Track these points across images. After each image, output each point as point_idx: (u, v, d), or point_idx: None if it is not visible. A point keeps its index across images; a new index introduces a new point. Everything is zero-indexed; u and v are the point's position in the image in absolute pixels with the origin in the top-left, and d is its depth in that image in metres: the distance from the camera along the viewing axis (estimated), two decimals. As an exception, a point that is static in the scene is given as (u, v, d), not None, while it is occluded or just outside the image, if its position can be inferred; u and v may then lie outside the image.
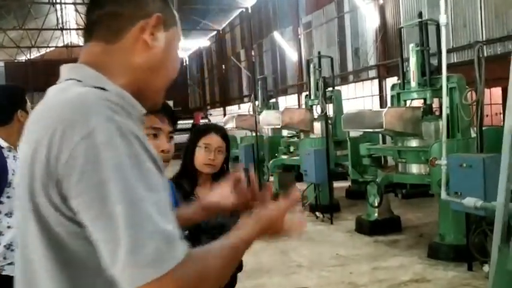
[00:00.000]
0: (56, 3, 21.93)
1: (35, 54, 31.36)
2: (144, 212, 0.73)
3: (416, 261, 5.37)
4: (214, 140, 2.32)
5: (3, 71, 29.63)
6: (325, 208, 7.82)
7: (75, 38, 31.79)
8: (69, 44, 30.28)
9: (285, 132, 11.06)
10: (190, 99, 33.11)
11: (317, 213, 7.88)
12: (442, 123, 5.30)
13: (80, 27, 27.46)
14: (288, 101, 17.88)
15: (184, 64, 33.04)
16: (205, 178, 2.35)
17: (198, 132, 2.39)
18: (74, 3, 23.34)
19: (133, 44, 0.92)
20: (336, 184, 8.67)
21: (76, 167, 0.74)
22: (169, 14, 0.99)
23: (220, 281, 0.85)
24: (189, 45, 26.62)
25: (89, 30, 0.95)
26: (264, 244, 6.19)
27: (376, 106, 12.65)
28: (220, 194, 1.40)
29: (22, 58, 30.46)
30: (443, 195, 4.66)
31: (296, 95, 17.36)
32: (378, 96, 13.11)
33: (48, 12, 24.29)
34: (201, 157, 2.29)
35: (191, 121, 22.41)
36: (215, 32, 26.13)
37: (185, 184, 2.31)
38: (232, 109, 23.88)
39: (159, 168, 0.81)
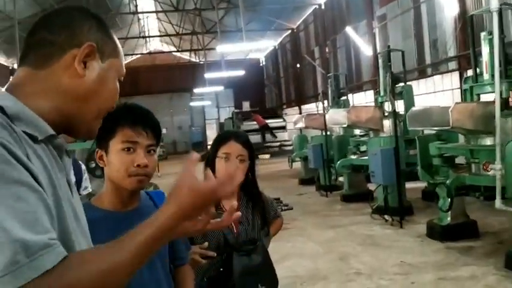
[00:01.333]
0: (138, 12, 23.10)
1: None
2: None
3: (491, 272, 4.86)
4: (234, 148, 2.16)
5: (94, 79, 31.87)
6: (395, 211, 7.40)
7: (159, 45, 33.43)
8: (152, 51, 31.82)
9: (357, 131, 10.69)
10: (267, 99, 33.30)
11: (385, 216, 7.48)
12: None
13: (162, 34, 28.84)
14: (364, 98, 17.32)
15: (261, 64, 33.34)
16: None
17: (216, 141, 2.26)
18: (156, 12, 24.54)
19: (62, 72, 0.92)
20: (411, 185, 8.18)
21: None
22: (109, 45, 0.99)
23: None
24: (264, 46, 26.70)
25: (21, 56, 0.95)
26: (322, 249, 6.00)
27: (457, 100, 11.78)
28: None
29: (111, 66, 32.56)
30: (498, 203, 4.16)
31: (372, 91, 16.72)
32: (459, 90, 12.18)
33: (132, 22, 25.78)
34: (222, 168, 2.15)
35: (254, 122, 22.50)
36: (289, 31, 26.02)
37: None
38: (308, 108, 23.62)
39: (30, 179, 0.77)
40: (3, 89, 0.92)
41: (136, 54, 31.53)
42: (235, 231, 2.17)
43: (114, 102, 1.02)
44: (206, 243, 2.01)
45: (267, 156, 21.68)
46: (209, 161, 2.21)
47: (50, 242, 0.72)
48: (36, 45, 0.94)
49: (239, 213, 1.51)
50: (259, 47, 25.83)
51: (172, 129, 31.78)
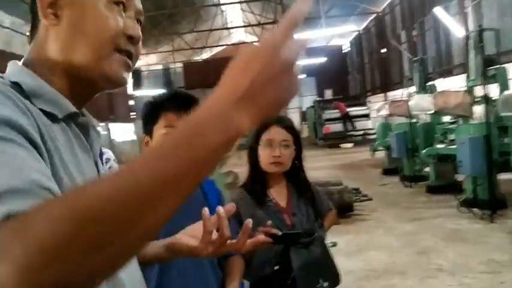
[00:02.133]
0: (221, 4, 23.56)
1: (208, 54, 34.39)
2: None
3: None
4: (277, 133, 2.04)
5: (181, 71, 33.20)
6: (485, 204, 6.83)
7: (243, 36, 33.91)
8: (237, 42, 32.34)
9: (446, 118, 10.01)
10: (350, 87, 32.44)
11: (474, 209, 6.93)
12: None
13: (245, 24, 29.19)
14: (456, 82, 16.17)
15: (344, 51, 32.49)
16: (277, 178, 2.11)
17: (258, 127, 2.10)
18: (239, 2, 24.87)
19: (44, 35, 0.84)
20: (505, 176, 7.50)
21: None
22: None
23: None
24: (343, 31, 25.96)
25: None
26: (401, 243, 5.71)
27: None
28: (190, 233, 1.20)
29: (197, 58, 33.68)
30: None
31: (463, 75, 15.57)
32: None
33: (216, 14, 26.40)
34: (265, 155, 2.05)
35: (336, 110, 21.91)
36: (374, 15, 25.02)
37: (257, 188, 2.09)
38: (393, 95, 22.63)
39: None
40: (16, 62, 0.84)
41: (221, 45, 32.27)
42: (288, 223, 2.04)
43: (108, 29, 0.82)
44: (270, 222, 1.91)
45: (350, 145, 21.18)
46: (251, 150, 2.13)
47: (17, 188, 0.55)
48: (31, 23, 0.88)
49: (262, 237, 1.39)
50: (339, 33, 25.16)
51: (255, 118, 32.22)
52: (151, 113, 1.57)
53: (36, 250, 0.47)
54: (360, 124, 21.87)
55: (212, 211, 1.70)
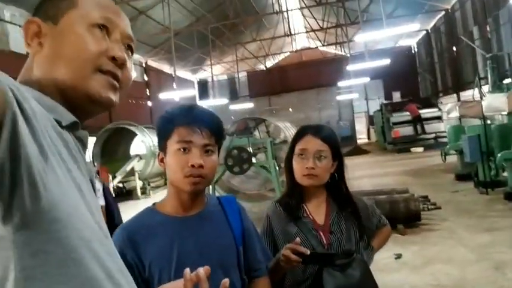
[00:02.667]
0: (282, 11, 23.58)
1: (271, 61, 34.57)
2: None
3: None
4: (310, 143, 1.90)
5: (245, 80, 33.62)
6: None
7: (305, 42, 33.74)
8: (301, 48, 32.22)
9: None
10: (420, 88, 31.07)
11: (560, 218, 6.26)
12: None
13: (308, 30, 29.02)
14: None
15: (413, 51, 31.23)
16: (315, 192, 1.95)
17: (294, 137, 2.00)
18: (301, 8, 24.77)
19: (31, 62, 0.90)
20: None
21: None
22: (59, 3, 0.90)
23: None
24: (407, 31, 24.89)
25: None
26: (474, 255, 5.25)
27: None
28: None
29: (261, 67, 33.94)
30: None
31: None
32: None
33: (278, 22, 26.46)
34: (298, 167, 1.90)
35: (405, 113, 20.90)
36: (443, 12, 23.81)
37: (292, 202, 1.94)
38: (467, 95, 21.32)
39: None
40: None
41: (284, 52, 32.32)
42: (325, 242, 1.86)
43: (84, 49, 0.86)
44: (298, 239, 1.77)
45: (421, 149, 20.20)
46: (287, 161, 1.99)
47: None
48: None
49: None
50: (406, 32, 24.19)
51: (321, 124, 31.79)
52: (164, 128, 1.50)
53: None
54: (432, 127, 20.78)
55: (232, 229, 1.59)
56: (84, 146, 0.88)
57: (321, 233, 1.89)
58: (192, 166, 1.41)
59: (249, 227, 1.65)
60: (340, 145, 2.02)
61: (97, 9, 0.90)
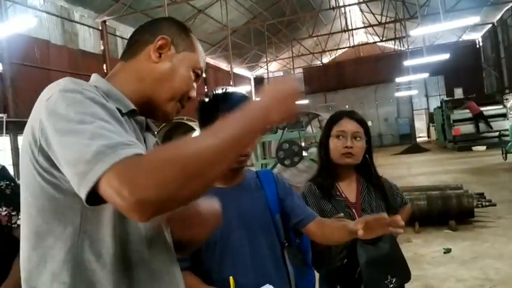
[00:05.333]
0: (339, 7, 23.36)
1: (328, 57, 34.30)
2: (86, 133, 0.85)
3: None
4: (348, 125, 2.08)
5: (301, 76, 33.60)
6: None
7: (364, 37, 33.13)
8: (358, 43, 31.68)
9: None
10: (485, 84, 29.64)
11: None
12: None
13: (366, 25, 28.52)
14: None
15: (477, 46, 29.83)
16: (346, 171, 2.13)
17: (329, 122, 2.17)
18: (359, 3, 24.43)
19: (143, 61, 1.16)
20: None
21: (42, 119, 0.92)
22: (185, 41, 1.21)
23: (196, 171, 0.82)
24: (479, 24, 23.84)
25: (121, 55, 1.23)
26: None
27: None
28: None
29: (317, 63, 33.78)
30: None
31: None
32: None
33: (335, 17, 26.23)
34: (336, 147, 2.08)
35: (466, 111, 19.98)
36: (511, 4, 22.58)
37: (326, 181, 2.11)
38: (536, 91, 20.13)
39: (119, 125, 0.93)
40: (97, 75, 1.16)
41: (341, 48, 31.95)
42: (357, 217, 2.01)
43: (187, 86, 1.19)
44: (341, 214, 1.95)
45: (483, 147, 19.34)
46: (322, 143, 2.16)
47: (130, 142, 0.85)
48: (129, 45, 1.20)
49: None
50: (467, 26, 23.19)
51: (378, 121, 31.17)
52: (210, 113, 1.64)
53: (156, 179, 0.78)
54: (496, 125, 19.81)
55: (267, 199, 1.79)
56: (141, 127, 1.16)
57: (353, 210, 2.06)
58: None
59: (285, 191, 1.83)
60: (369, 127, 2.18)
61: (201, 61, 1.23)
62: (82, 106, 0.90)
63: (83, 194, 0.82)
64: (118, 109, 1.02)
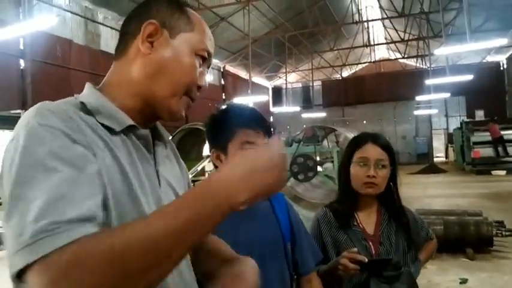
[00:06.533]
0: (362, 21, 23.20)
1: (348, 71, 34.10)
2: (29, 200, 0.70)
3: None
4: (371, 151, 1.90)
5: (320, 88, 33.41)
6: None
7: (385, 53, 32.86)
8: (379, 59, 31.43)
9: None
10: (508, 107, 29.06)
11: None
12: None
13: (387, 41, 28.28)
14: None
15: (501, 68, 29.32)
16: (368, 201, 1.95)
17: (351, 144, 2.00)
18: (380, 19, 24.24)
19: (133, 57, 0.97)
20: None
21: (3, 169, 0.78)
22: (181, 20, 0.99)
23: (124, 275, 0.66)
24: (504, 46, 23.41)
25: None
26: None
27: None
28: None
29: (337, 76, 33.59)
30: None
31: None
32: None
33: (357, 32, 26.06)
34: (358, 175, 1.90)
35: (487, 133, 19.48)
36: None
37: (344, 209, 1.95)
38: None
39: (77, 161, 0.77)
40: (89, 84, 0.98)
41: (362, 63, 31.73)
42: (373, 252, 1.85)
43: (190, 77, 0.97)
44: (355, 248, 1.79)
45: (503, 172, 18.88)
46: (343, 169, 2.00)
47: (73, 218, 0.69)
48: (119, 40, 1.01)
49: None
50: (492, 47, 22.79)
51: (396, 139, 30.72)
52: (227, 128, 1.53)
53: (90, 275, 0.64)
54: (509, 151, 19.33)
55: (280, 224, 1.64)
56: (146, 143, 0.96)
57: (370, 243, 1.89)
58: None
59: (297, 223, 1.70)
60: (395, 153, 2.00)
61: (205, 41, 1.00)
62: (32, 153, 0.74)
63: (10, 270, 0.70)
64: (109, 128, 0.88)
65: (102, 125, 0.88)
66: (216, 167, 1.60)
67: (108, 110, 0.91)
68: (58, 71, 13.31)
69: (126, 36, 0.99)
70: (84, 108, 0.89)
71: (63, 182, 0.72)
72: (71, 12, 14.02)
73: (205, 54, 1.01)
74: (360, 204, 1.97)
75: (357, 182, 1.92)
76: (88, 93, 0.95)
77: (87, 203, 0.73)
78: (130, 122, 0.92)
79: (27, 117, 0.81)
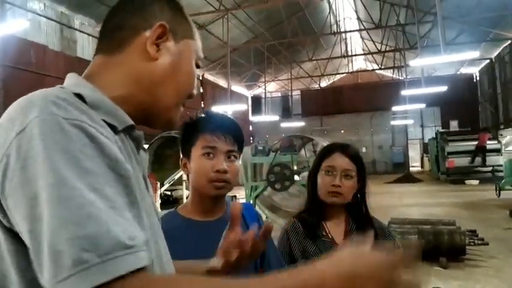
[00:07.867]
0: (340, 32, 23.52)
1: (326, 82, 34.45)
2: (71, 212, 0.61)
3: None
4: (339, 161, 1.89)
5: (299, 98, 33.65)
6: None
7: (363, 64, 33.38)
8: (357, 70, 31.89)
9: None
10: (480, 118, 29.77)
11: None
12: None
13: (365, 52, 28.71)
14: None
15: (474, 80, 30.08)
16: (336, 210, 1.94)
17: (320, 153, 2.00)
18: (359, 30, 24.63)
19: (135, 56, 0.87)
20: None
21: (10, 165, 0.66)
22: (183, 25, 0.94)
23: None
24: (477, 58, 24.05)
25: (97, 45, 0.93)
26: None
27: None
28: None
29: (315, 86, 33.90)
30: None
31: None
32: None
33: (335, 43, 26.40)
34: (324, 183, 1.89)
35: (474, 143, 19.87)
36: (509, 42, 22.81)
37: (312, 219, 1.94)
38: (531, 128, 20.15)
39: (114, 172, 0.70)
40: (75, 74, 0.88)
41: (340, 73, 32.11)
42: None
43: (192, 86, 0.94)
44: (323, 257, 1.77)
45: (476, 181, 19.27)
46: (311, 177, 1.99)
47: (129, 243, 0.63)
48: (109, 31, 0.90)
49: None
50: (466, 60, 23.40)
51: (372, 148, 31.12)
52: (189, 134, 1.55)
53: None
54: (489, 160, 19.75)
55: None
56: (138, 145, 0.89)
57: None
58: (217, 171, 1.46)
59: None
60: (365, 166, 1.99)
61: (200, 48, 0.97)
62: (72, 159, 0.65)
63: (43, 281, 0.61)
64: (111, 125, 0.78)
65: (104, 121, 0.78)
66: (187, 175, 1.58)
67: (107, 105, 0.80)
68: (31, 77, 13.04)
69: (123, 29, 0.88)
70: (81, 101, 0.77)
71: (104, 199, 0.65)
72: (46, 17, 13.79)
73: (200, 63, 0.97)
74: (328, 214, 1.96)
75: (322, 191, 1.92)
76: (77, 84, 0.83)
77: (132, 222, 0.69)
78: (131, 121, 0.84)
79: (38, 103, 0.71)
